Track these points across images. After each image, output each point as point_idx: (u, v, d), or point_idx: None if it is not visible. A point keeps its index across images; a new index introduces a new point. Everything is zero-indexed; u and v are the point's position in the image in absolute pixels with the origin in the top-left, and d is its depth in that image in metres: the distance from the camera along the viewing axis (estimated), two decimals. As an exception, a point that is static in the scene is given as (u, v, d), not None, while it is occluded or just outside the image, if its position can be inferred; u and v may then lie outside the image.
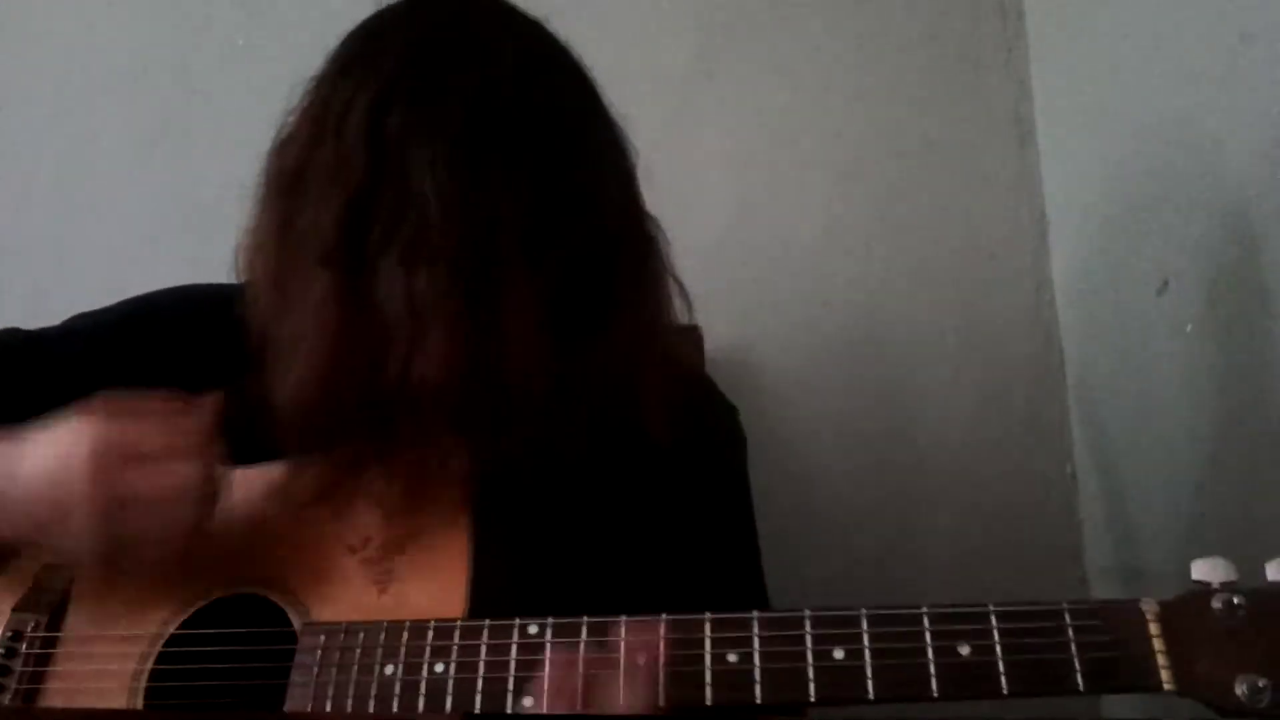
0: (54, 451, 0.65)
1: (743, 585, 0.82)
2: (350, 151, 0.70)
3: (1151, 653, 0.55)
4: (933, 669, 0.57)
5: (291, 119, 0.76)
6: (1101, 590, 1.16)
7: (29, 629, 0.71)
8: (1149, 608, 0.56)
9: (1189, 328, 0.93)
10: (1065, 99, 1.22)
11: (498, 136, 0.69)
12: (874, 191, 1.27)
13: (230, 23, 1.34)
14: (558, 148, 0.73)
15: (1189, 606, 0.55)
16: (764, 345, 1.23)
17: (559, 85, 0.75)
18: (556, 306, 0.71)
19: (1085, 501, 1.20)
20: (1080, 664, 0.55)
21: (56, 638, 0.71)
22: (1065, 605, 0.57)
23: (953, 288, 1.25)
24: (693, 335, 1.07)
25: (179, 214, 1.30)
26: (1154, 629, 0.55)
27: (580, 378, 0.73)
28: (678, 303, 0.82)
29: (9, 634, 0.71)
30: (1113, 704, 1.14)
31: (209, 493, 0.67)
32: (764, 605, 0.81)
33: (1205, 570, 0.56)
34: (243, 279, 0.77)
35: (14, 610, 0.72)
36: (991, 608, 0.58)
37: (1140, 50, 1.00)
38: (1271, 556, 0.56)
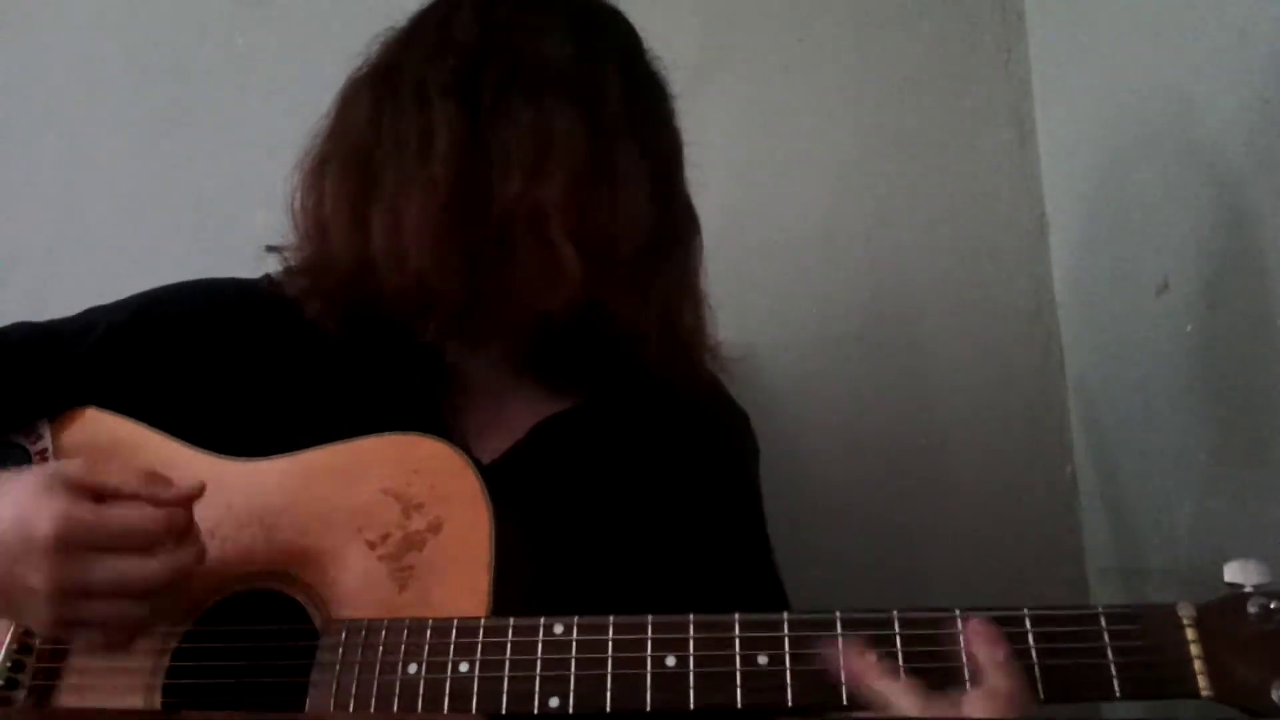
0: (13, 524, 0.61)
1: (760, 585, 0.83)
2: (459, 29, 0.76)
3: (1188, 658, 0.54)
4: (966, 674, 0.55)
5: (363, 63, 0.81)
6: (1101, 590, 1.16)
7: None
8: (1185, 612, 0.55)
9: (1189, 328, 0.93)
10: (1065, 99, 1.22)
11: (600, 31, 0.79)
12: (874, 191, 1.27)
13: (230, 23, 1.34)
14: (643, 57, 0.83)
15: (1225, 611, 0.54)
16: (763, 345, 1.23)
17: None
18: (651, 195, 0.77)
19: (1085, 501, 1.20)
20: (1116, 670, 0.54)
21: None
22: (1101, 609, 0.56)
23: (953, 287, 1.25)
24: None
25: (179, 214, 1.30)
26: (1190, 634, 0.54)
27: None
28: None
29: (23, 629, 0.69)
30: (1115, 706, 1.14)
31: (176, 581, 0.64)
32: (784, 603, 0.81)
33: (1238, 572, 0.55)
34: (302, 213, 0.80)
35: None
36: (1026, 611, 0.57)
37: (1140, 49, 1.00)
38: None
